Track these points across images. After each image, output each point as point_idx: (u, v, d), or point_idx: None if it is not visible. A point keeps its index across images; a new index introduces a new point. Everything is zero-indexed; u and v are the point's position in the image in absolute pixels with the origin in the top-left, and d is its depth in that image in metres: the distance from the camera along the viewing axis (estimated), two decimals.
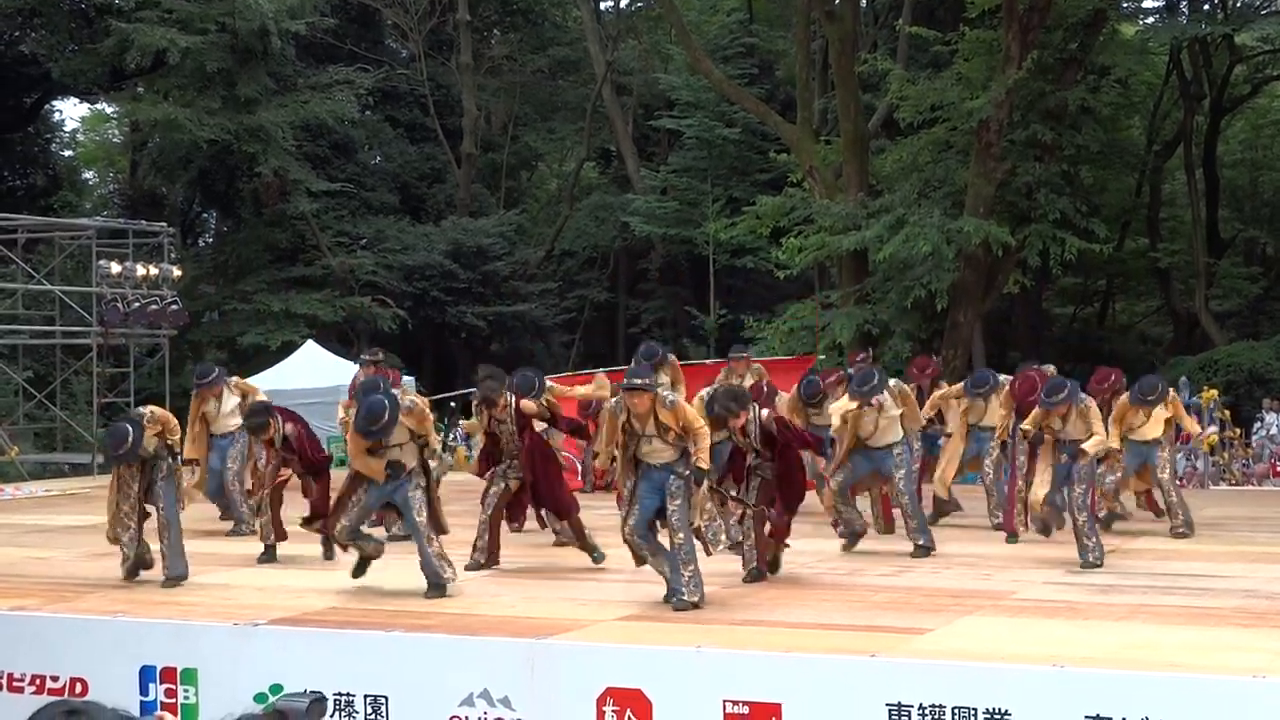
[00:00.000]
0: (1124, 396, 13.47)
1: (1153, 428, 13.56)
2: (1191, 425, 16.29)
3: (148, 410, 11.77)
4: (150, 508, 11.42)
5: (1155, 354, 34.02)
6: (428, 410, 11.24)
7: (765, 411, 10.96)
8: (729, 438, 10.98)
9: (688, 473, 9.76)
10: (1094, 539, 11.36)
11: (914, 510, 12.33)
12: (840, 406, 12.19)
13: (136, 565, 11.34)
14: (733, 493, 10.90)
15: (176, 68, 31.03)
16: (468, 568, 11.47)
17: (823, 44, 29.84)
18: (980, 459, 14.21)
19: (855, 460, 12.24)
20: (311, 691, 3.32)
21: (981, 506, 14.34)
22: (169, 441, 11.49)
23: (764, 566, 10.93)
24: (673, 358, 15.91)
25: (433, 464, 11.02)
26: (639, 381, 9.86)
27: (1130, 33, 30.37)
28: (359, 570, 10.95)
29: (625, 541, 9.93)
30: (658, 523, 10.02)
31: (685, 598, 9.66)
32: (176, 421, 11.79)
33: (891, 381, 12.73)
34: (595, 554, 11.85)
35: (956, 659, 7.95)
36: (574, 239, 38.39)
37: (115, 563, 11.52)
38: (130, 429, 10.94)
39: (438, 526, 10.81)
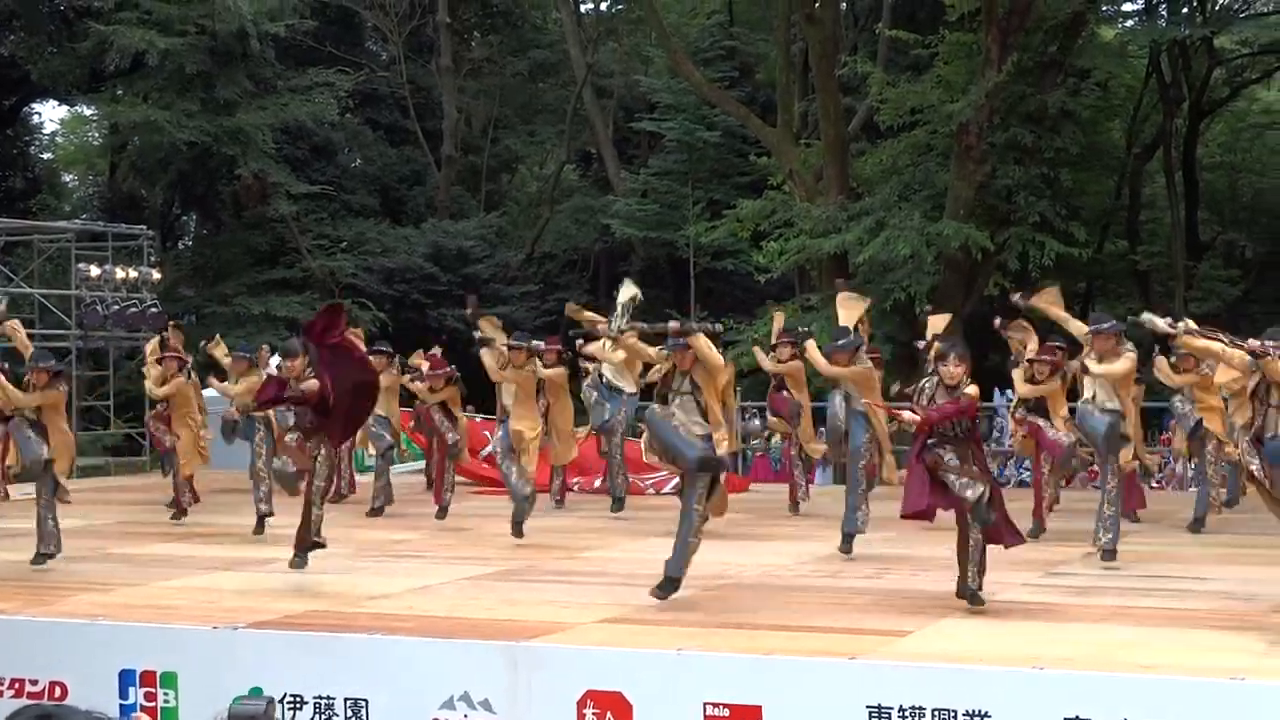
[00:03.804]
0: None
1: None
2: None
3: None
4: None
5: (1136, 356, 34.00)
6: None
7: None
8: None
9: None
10: None
11: None
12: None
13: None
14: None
15: (155, 69, 30.92)
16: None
17: (803, 47, 29.83)
18: None
19: None
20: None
21: None
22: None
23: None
24: None
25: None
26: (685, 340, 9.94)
27: (1109, 35, 30.44)
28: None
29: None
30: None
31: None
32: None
33: None
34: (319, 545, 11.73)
35: (937, 661, 7.97)
36: (554, 241, 38.31)
37: (96, 565, 11.52)
38: None
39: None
